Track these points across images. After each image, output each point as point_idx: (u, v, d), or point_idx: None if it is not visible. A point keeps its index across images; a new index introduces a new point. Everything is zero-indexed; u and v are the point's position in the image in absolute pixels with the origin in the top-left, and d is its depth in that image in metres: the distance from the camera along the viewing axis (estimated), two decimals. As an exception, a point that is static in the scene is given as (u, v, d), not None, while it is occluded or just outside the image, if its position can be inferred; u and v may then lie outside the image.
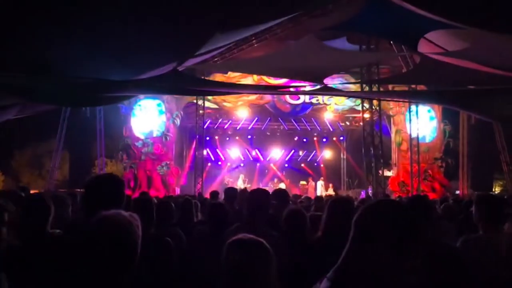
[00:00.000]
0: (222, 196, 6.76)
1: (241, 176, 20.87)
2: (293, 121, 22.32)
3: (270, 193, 3.63)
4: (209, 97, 17.74)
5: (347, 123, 22.09)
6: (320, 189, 20.06)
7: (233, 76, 16.58)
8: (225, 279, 1.77)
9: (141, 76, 7.37)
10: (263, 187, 18.67)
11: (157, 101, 18.35)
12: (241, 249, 1.77)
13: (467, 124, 17.63)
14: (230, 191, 5.44)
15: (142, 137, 18.18)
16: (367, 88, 14.57)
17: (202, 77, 13.23)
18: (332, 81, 13.02)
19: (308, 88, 11.52)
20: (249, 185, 20.55)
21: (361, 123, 17.46)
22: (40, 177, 21.61)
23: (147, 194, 8.55)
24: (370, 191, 16.21)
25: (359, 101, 18.07)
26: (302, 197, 9.47)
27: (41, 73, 5.69)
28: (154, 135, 18.29)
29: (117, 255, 1.61)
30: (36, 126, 15.83)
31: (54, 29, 5.30)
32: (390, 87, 14.94)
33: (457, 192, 17.20)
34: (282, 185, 20.52)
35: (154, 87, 8.66)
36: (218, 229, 3.42)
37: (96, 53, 6.12)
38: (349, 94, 16.04)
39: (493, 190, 18.09)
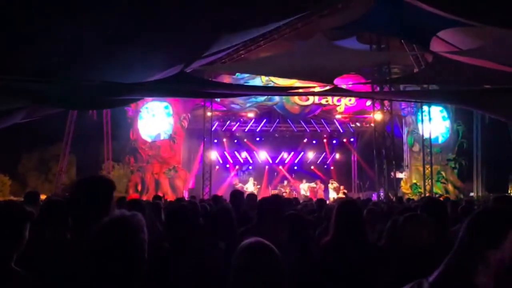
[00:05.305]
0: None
1: (251, 180, 20.64)
2: (302, 123, 22.07)
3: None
4: (217, 99, 17.59)
5: (358, 124, 21.81)
6: (332, 192, 19.72)
7: (241, 78, 16.44)
8: (234, 284, 1.72)
9: (149, 79, 7.23)
10: (273, 190, 18.61)
11: (165, 104, 18.24)
12: (251, 253, 1.74)
13: (481, 124, 17.32)
14: (237, 194, 5.23)
15: (149, 140, 18.08)
16: (378, 89, 14.33)
17: (210, 79, 13.08)
18: (342, 82, 12.79)
19: (317, 89, 11.31)
20: (258, 186, 20.37)
21: (372, 124, 17.20)
22: (47, 181, 21.52)
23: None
24: (381, 194, 15.94)
25: (369, 101, 17.82)
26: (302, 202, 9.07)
27: (48, 76, 5.57)
28: (162, 138, 18.18)
29: (123, 257, 1.60)
30: (43, 130, 15.76)
31: (62, 32, 5.19)
32: (401, 87, 14.68)
33: (471, 194, 16.84)
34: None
35: (162, 90, 8.52)
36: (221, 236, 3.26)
37: (103, 56, 6.00)
38: (359, 95, 15.82)
39: (509, 191, 17.67)
